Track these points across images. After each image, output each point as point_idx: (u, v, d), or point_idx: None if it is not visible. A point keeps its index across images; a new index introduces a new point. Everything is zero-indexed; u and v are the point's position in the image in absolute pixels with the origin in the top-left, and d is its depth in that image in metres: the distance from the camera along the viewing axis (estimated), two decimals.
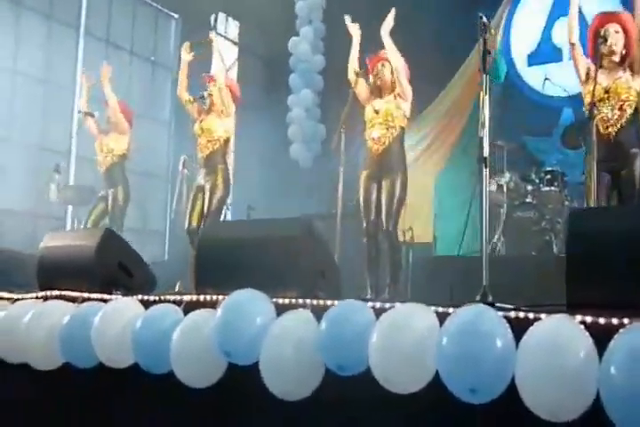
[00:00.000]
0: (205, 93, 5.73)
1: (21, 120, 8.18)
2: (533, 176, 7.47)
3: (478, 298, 3.02)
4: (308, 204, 4.94)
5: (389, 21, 5.03)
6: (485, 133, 3.22)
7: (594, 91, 4.04)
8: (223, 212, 8.33)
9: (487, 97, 3.26)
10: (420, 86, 8.48)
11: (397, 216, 4.80)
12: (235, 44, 11.50)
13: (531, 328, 2.28)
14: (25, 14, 8.55)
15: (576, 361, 2.15)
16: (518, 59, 9.29)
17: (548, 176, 7.24)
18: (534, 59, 9.09)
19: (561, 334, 2.22)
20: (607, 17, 4.34)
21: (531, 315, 2.42)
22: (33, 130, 8.26)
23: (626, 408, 2.07)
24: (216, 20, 11.74)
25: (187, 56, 5.88)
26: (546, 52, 8.88)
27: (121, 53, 9.82)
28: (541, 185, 7.31)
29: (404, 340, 2.44)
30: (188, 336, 3.01)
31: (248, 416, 3.01)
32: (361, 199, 4.88)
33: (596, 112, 4.16)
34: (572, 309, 2.41)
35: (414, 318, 2.51)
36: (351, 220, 5.48)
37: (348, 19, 5.25)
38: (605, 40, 4.23)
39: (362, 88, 5.06)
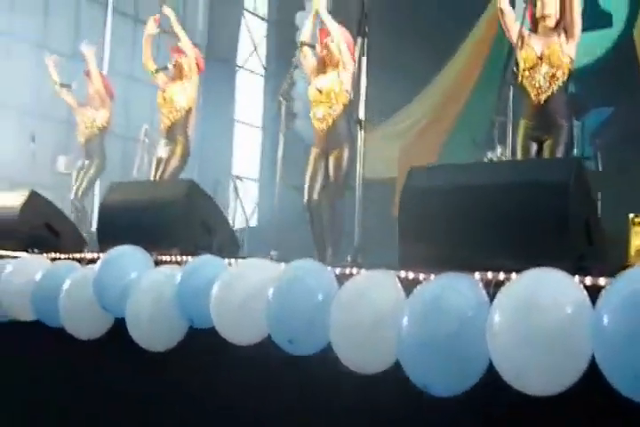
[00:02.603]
0: (170, 65, 5.77)
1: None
2: None
3: (349, 258, 3.05)
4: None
5: None
6: (362, 96, 3.22)
7: (515, 56, 4.02)
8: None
9: (365, 58, 3.26)
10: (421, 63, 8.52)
11: (343, 187, 4.82)
12: (263, 20, 11.63)
13: (345, 283, 2.31)
14: None
15: (384, 312, 2.19)
16: None
17: None
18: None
19: (372, 287, 2.26)
20: None
21: (355, 270, 2.46)
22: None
23: (419, 358, 2.11)
24: None
25: (151, 30, 5.98)
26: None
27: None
28: None
29: (240, 293, 2.51)
30: (77, 290, 3.12)
31: (130, 367, 3.12)
32: (307, 175, 4.89)
33: (527, 80, 4.13)
34: (402, 264, 2.44)
35: (254, 271, 2.58)
36: None
37: None
38: (536, 3, 4.15)
39: (309, 61, 5.05)
